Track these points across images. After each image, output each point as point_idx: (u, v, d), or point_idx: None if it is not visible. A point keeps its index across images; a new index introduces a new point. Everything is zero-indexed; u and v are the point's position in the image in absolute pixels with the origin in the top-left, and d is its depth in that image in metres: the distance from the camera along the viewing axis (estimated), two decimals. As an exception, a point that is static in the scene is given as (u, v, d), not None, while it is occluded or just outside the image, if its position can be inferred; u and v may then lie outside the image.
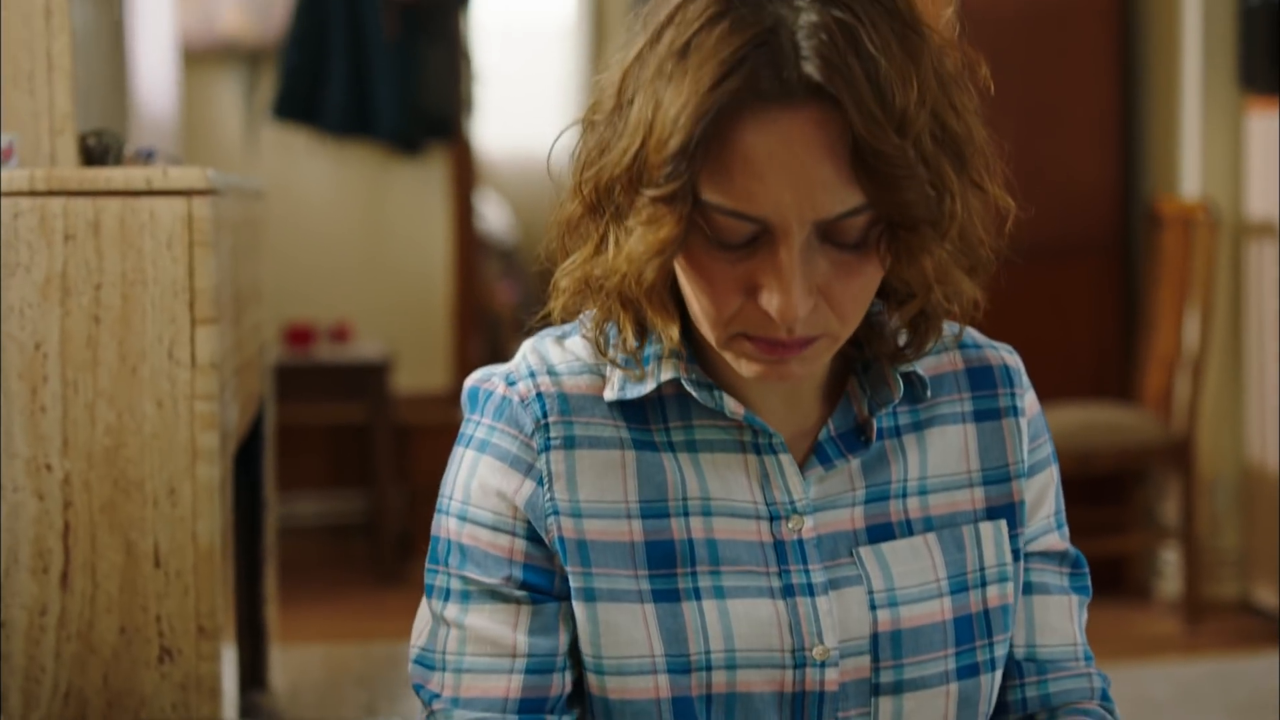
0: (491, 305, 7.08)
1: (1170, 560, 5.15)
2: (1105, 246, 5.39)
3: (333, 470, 6.31)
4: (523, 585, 1.41)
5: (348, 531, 6.22)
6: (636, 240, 1.32)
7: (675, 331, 1.39)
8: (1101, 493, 5.17)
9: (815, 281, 1.31)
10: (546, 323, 1.50)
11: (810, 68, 1.24)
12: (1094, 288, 5.40)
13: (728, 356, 1.37)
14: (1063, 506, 1.57)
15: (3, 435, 2.17)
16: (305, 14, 5.91)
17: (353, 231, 6.35)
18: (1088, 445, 4.68)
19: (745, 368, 1.36)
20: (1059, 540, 1.55)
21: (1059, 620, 1.53)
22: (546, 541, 1.41)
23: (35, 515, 2.19)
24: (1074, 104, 5.35)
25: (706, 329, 1.36)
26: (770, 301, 1.30)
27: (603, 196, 1.36)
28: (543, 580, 1.42)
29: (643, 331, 1.43)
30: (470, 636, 1.42)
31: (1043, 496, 1.54)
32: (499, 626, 1.41)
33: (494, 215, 8.23)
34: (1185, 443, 4.85)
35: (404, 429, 5.86)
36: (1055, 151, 5.34)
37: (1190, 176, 5.19)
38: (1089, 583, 1.57)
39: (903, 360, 1.45)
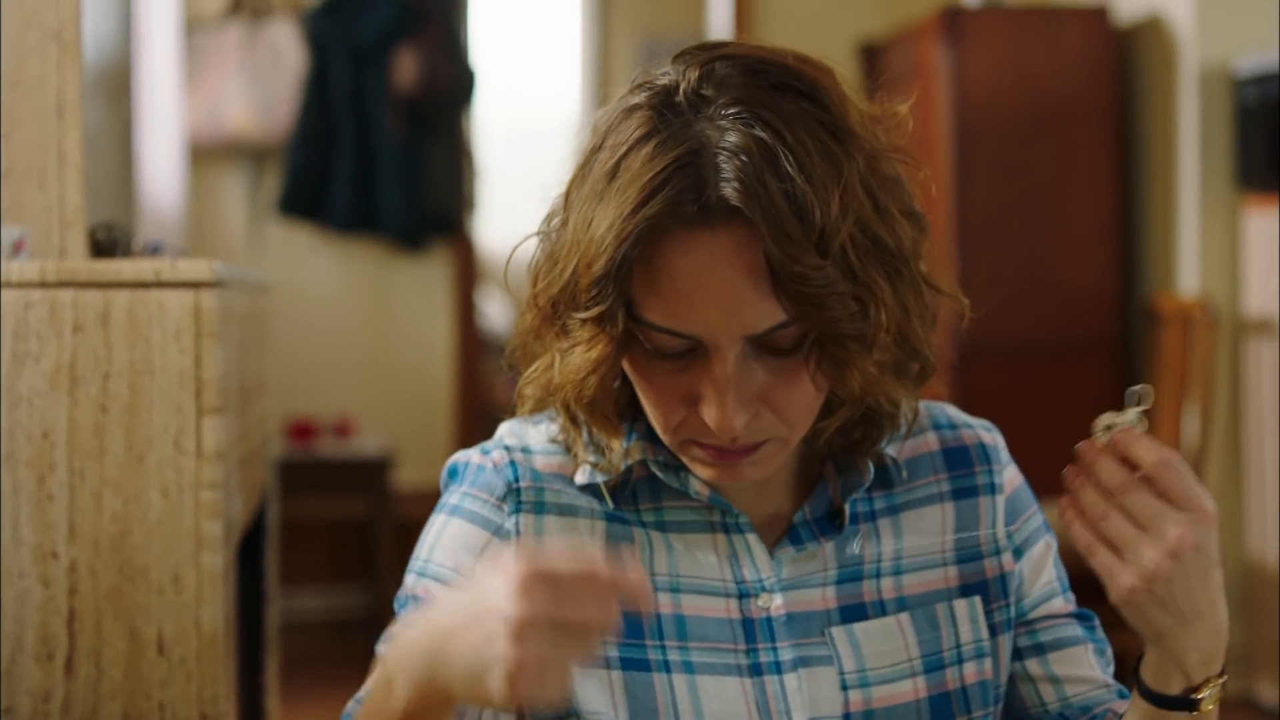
0: (492, 401, 7.10)
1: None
2: (1105, 344, 5.42)
3: (335, 565, 6.31)
4: None
5: (350, 627, 6.21)
6: (575, 357, 1.35)
7: (618, 444, 1.43)
8: (1102, 589, 5.16)
9: (754, 391, 1.33)
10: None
11: (728, 190, 1.26)
12: (1095, 385, 5.43)
13: (683, 458, 1.40)
14: (1065, 575, 1.58)
15: (10, 523, 2.19)
16: (311, 113, 5.97)
17: (356, 327, 6.38)
18: (1088, 541, 4.68)
19: (700, 470, 1.40)
20: (1064, 604, 1.56)
21: (1084, 669, 1.54)
22: None
23: (41, 602, 2.20)
24: (1074, 204, 5.40)
25: (659, 433, 1.39)
26: (708, 413, 1.32)
27: (552, 309, 1.39)
28: None
29: (608, 423, 1.45)
30: None
31: (1040, 566, 1.55)
32: None
33: (495, 312, 8.26)
34: (1185, 539, 4.84)
35: (406, 524, 5.86)
36: (1056, 251, 5.38)
37: (1188, 274, 5.22)
38: (1104, 636, 1.57)
39: (860, 453, 1.48)
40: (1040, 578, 1.55)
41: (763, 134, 1.28)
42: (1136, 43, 5.56)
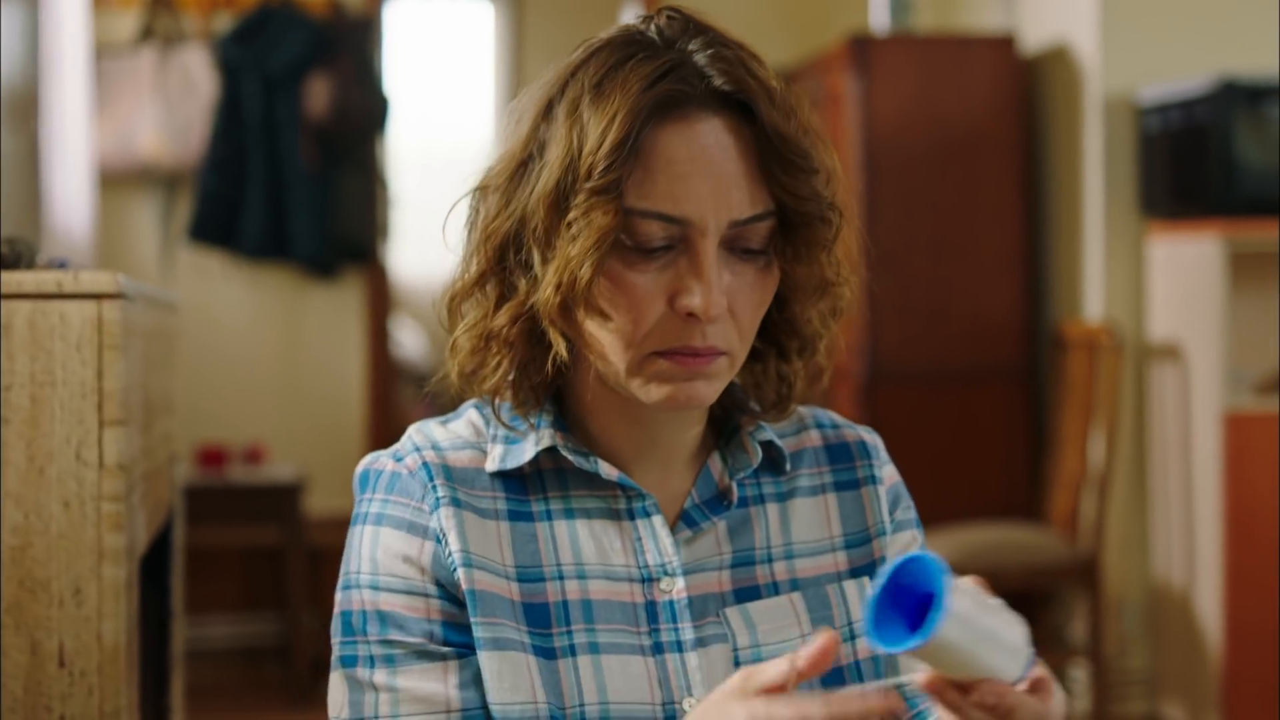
0: (405, 429, 7.08)
1: (1079, 679, 5.19)
2: (1013, 371, 5.47)
3: (245, 593, 6.27)
4: (445, 643, 1.45)
5: (260, 655, 6.18)
6: (573, 244, 1.39)
7: (622, 360, 1.44)
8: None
9: (724, 294, 1.42)
10: (445, 384, 1.56)
11: (720, 80, 1.40)
12: (1002, 411, 5.47)
13: (635, 384, 1.45)
14: None
15: (-91, 535, 2.17)
16: (222, 140, 5.95)
17: (268, 354, 6.36)
18: (996, 565, 4.73)
19: (654, 391, 1.44)
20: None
21: None
22: (459, 595, 1.45)
23: (-60, 616, 2.19)
24: (981, 233, 5.45)
25: (618, 355, 1.43)
26: (692, 299, 1.40)
27: (512, 245, 1.45)
28: (462, 636, 1.46)
29: (534, 394, 1.50)
30: (403, 697, 1.44)
31: (905, 550, 1.61)
32: (430, 684, 1.44)
33: (409, 340, 8.25)
34: (1092, 562, 4.90)
35: (317, 552, 5.84)
36: (963, 280, 5.43)
37: (1094, 301, 5.28)
38: None
39: (765, 426, 1.56)
40: (896, 545, 1.61)
41: (729, 51, 1.44)
42: (1043, 72, 5.63)
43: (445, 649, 1.45)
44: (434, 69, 9.61)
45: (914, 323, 5.35)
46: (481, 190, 1.49)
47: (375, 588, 1.47)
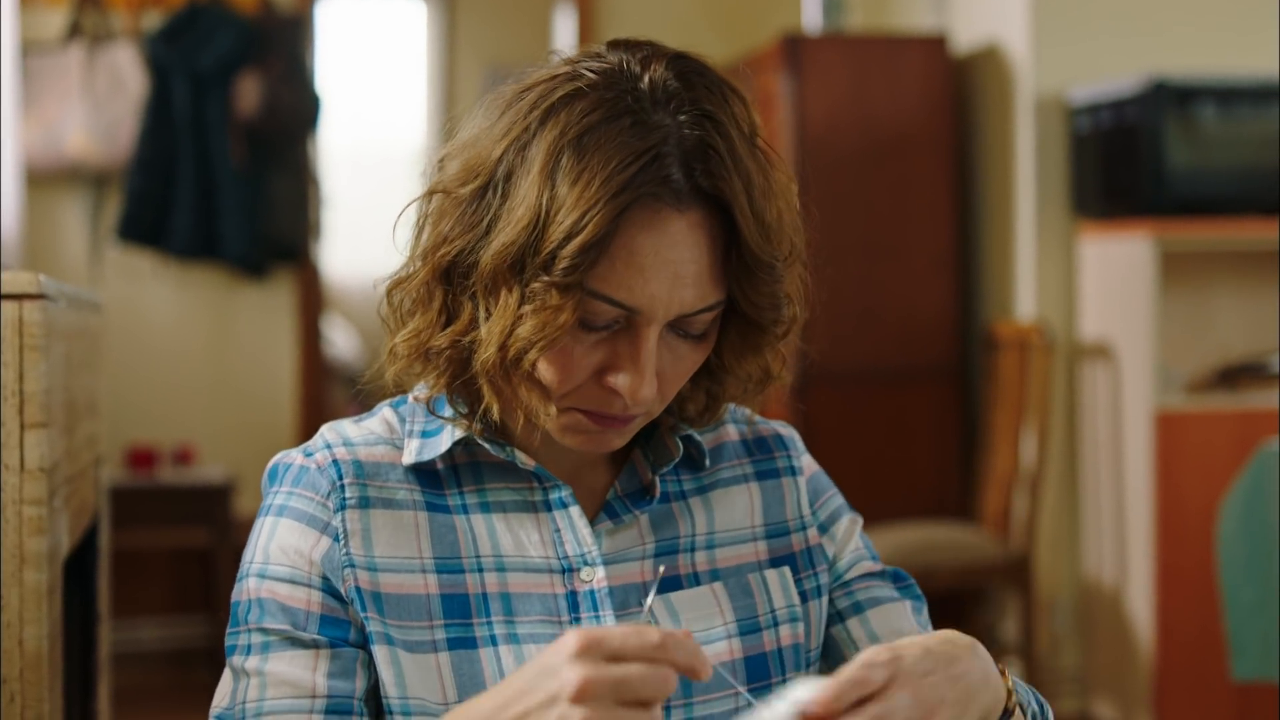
0: (338, 429, 7.05)
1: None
2: (944, 371, 5.49)
3: (174, 595, 6.23)
4: (320, 632, 1.45)
5: (190, 657, 6.13)
6: (523, 323, 1.38)
7: (553, 409, 1.44)
8: (942, 611, 5.20)
9: (657, 367, 1.42)
10: (377, 383, 1.56)
11: (701, 178, 1.37)
12: (934, 410, 5.49)
13: (551, 427, 1.45)
14: (871, 545, 1.66)
15: None
16: (151, 138, 5.90)
17: (198, 354, 6.31)
18: (928, 564, 4.74)
19: (569, 438, 1.46)
20: (874, 564, 1.64)
21: (900, 622, 1.60)
22: (343, 591, 1.45)
23: None
24: (913, 234, 5.46)
25: (539, 403, 1.43)
26: (623, 383, 1.40)
27: (461, 271, 1.43)
28: (339, 631, 1.45)
29: (465, 394, 1.50)
30: (270, 681, 1.44)
31: (847, 538, 1.63)
32: (298, 670, 1.44)
33: (341, 340, 8.22)
34: (1024, 561, 4.92)
35: (248, 553, 5.79)
36: (895, 280, 5.44)
37: (1025, 301, 5.30)
38: (920, 592, 1.65)
39: (686, 427, 1.57)
40: (849, 545, 1.63)
41: (718, 132, 1.39)
42: (974, 72, 5.64)
43: (318, 638, 1.44)
44: (366, 67, 9.57)
45: (845, 323, 5.35)
46: (435, 193, 1.46)
47: (262, 576, 1.47)
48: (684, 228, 1.37)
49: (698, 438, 1.58)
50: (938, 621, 1.60)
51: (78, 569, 2.97)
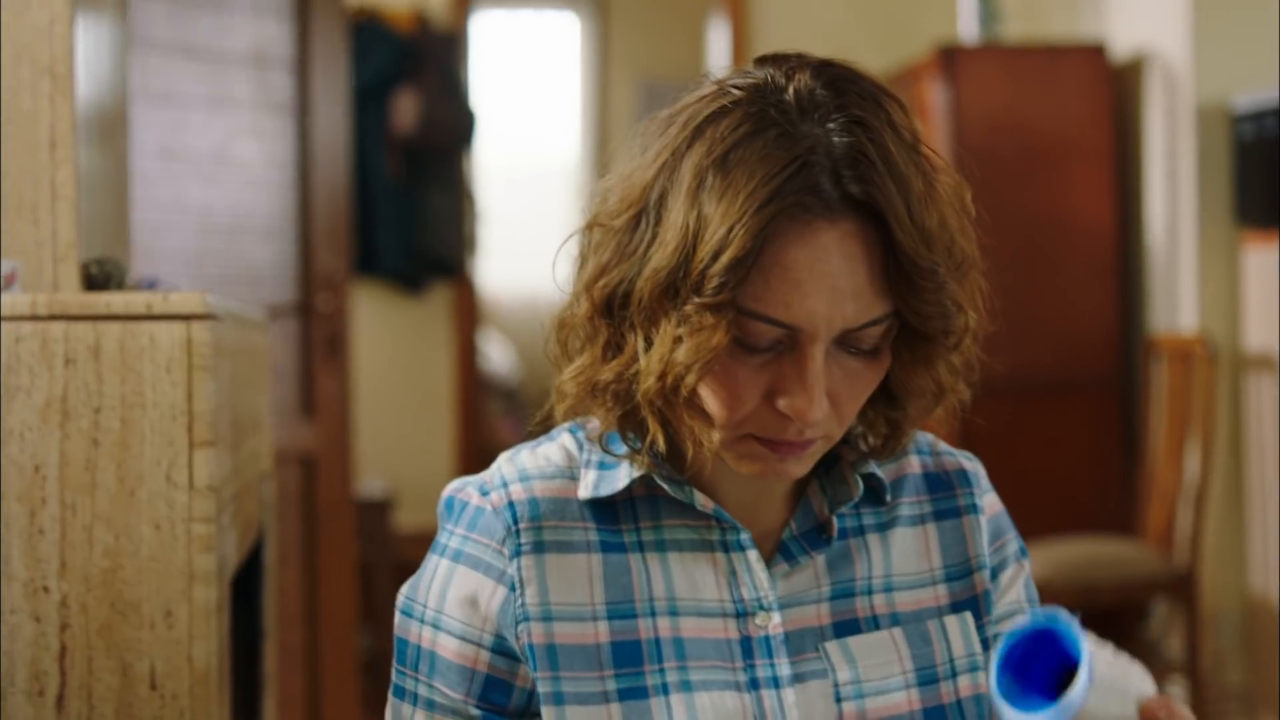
0: (494, 442, 7.09)
1: (1175, 695, 5.12)
2: (1105, 382, 5.42)
3: (334, 608, 6.28)
4: (481, 699, 1.46)
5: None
6: (679, 348, 1.35)
7: (715, 436, 1.41)
8: (1104, 628, 5.13)
9: (828, 386, 1.37)
10: (546, 424, 1.54)
11: (854, 186, 1.32)
12: (1094, 422, 5.42)
13: (728, 456, 1.41)
14: (1035, 597, 1.60)
15: (1, 557, 2.18)
16: (310, 155, 5.97)
17: (356, 369, 6.37)
18: (1090, 579, 4.67)
19: (745, 466, 1.41)
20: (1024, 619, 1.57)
21: None
22: (516, 648, 1.45)
23: (31, 638, 2.19)
24: (1072, 243, 5.40)
25: (712, 433, 1.40)
26: (791, 405, 1.35)
27: (619, 302, 1.40)
28: (501, 697, 1.46)
29: (638, 429, 1.46)
30: None
31: (1008, 586, 1.57)
32: None
33: (497, 355, 8.26)
34: (1188, 576, 4.84)
35: (406, 567, 5.80)
36: (1054, 290, 5.38)
37: (1188, 311, 5.22)
38: None
39: (869, 459, 1.51)
40: (1005, 597, 1.57)
41: (871, 138, 1.34)
42: (1133, 79, 5.57)
43: (477, 712, 1.46)
44: (519, 81, 9.62)
45: (1004, 333, 5.29)
46: (594, 227, 1.44)
47: (436, 626, 1.48)
48: (837, 238, 1.33)
49: (879, 474, 1.52)
50: (1099, 639, 1.56)
51: (244, 584, 3.00)
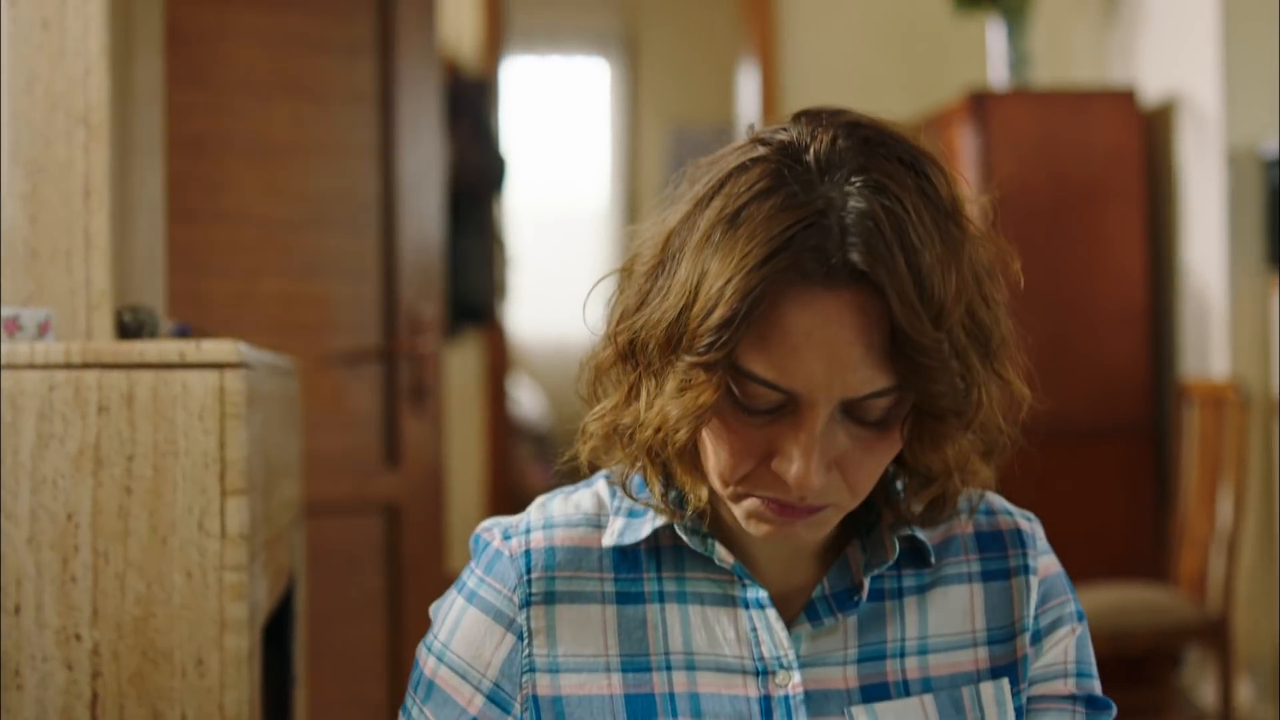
0: (524, 486, 7.10)
1: (1208, 742, 5.09)
2: (1136, 427, 5.40)
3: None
4: None
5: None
6: (673, 402, 1.34)
7: (704, 492, 1.41)
8: (1136, 675, 5.13)
9: (833, 455, 1.33)
10: (573, 464, 1.52)
11: (856, 255, 1.27)
12: (1125, 468, 5.40)
13: (736, 511, 1.39)
14: (1091, 660, 1.54)
15: (33, 605, 2.19)
16: (342, 200, 5.99)
17: (387, 414, 6.38)
18: (1122, 626, 4.65)
19: (753, 525, 1.38)
20: (1066, 686, 1.52)
21: None
22: (517, 699, 1.45)
23: (63, 685, 2.20)
24: (1103, 288, 5.39)
25: (716, 483, 1.39)
26: (787, 469, 1.32)
27: (637, 349, 1.39)
28: None
29: (667, 481, 1.46)
30: None
31: (1055, 647, 1.52)
32: None
33: (527, 399, 8.26)
34: (1221, 623, 4.81)
35: (436, 611, 5.83)
36: (1085, 335, 5.37)
37: (1219, 356, 5.21)
38: None
39: (910, 525, 1.47)
40: (1054, 655, 1.52)
41: (888, 203, 1.29)
42: (1164, 124, 5.57)
43: None
44: (550, 127, 9.65)
45: (1034, 378, 5.28)
46: (625, 271, 1.44)
47: (440, 659, 1.50)
48: (837, 307, 1.27)
49: (920, 536, 1.48)
50: (1131, 687, 1.52)
51: (275, 631, 3.00)
